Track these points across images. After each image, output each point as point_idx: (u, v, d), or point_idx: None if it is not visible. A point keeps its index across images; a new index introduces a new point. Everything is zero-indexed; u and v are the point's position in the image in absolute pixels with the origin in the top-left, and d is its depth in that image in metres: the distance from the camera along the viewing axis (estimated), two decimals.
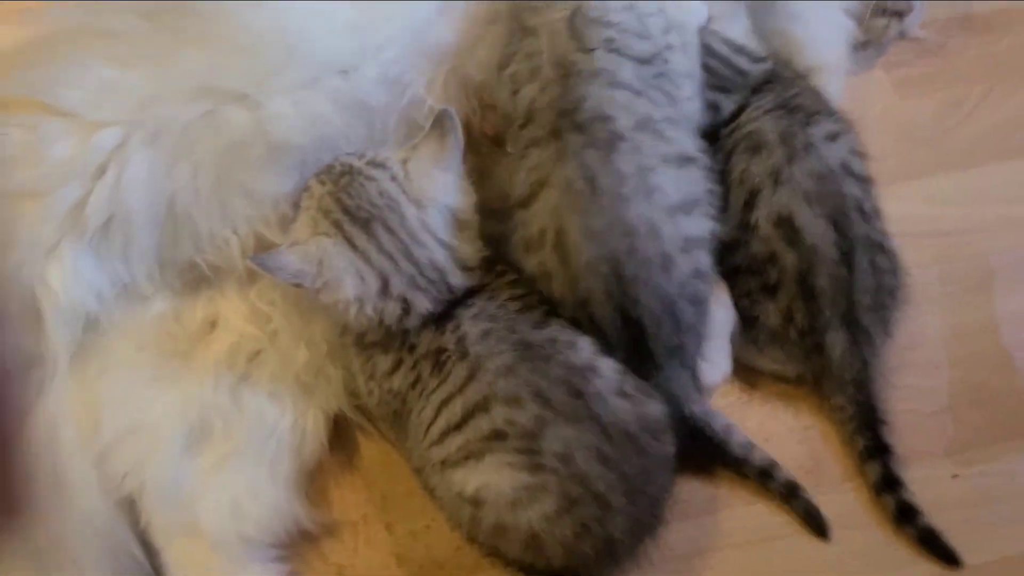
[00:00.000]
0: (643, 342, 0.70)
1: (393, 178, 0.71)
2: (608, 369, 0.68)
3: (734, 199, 0.80)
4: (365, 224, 0.69)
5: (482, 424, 0.65)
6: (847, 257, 0.78)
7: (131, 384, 0.74)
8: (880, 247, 0.81)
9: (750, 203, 0.79)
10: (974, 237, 0.93)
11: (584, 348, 0.68)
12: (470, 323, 0.68)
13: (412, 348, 0.69)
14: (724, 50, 0.81)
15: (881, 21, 0.96)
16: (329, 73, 0.73)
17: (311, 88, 0.72)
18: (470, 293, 0.71)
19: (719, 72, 0.81)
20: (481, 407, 0.65)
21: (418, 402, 0.68)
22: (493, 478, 0.65)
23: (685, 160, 0.72)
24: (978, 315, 0.89)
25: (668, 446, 0.69)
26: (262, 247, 0.74)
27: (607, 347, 0.70)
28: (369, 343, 0.70)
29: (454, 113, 0.72)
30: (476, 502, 0.66)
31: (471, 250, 0.72)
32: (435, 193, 0.71)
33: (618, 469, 0.65)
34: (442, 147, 0.72)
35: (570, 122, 0.70)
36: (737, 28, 0.84)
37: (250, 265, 0.69)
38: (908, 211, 0.93)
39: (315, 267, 0.68)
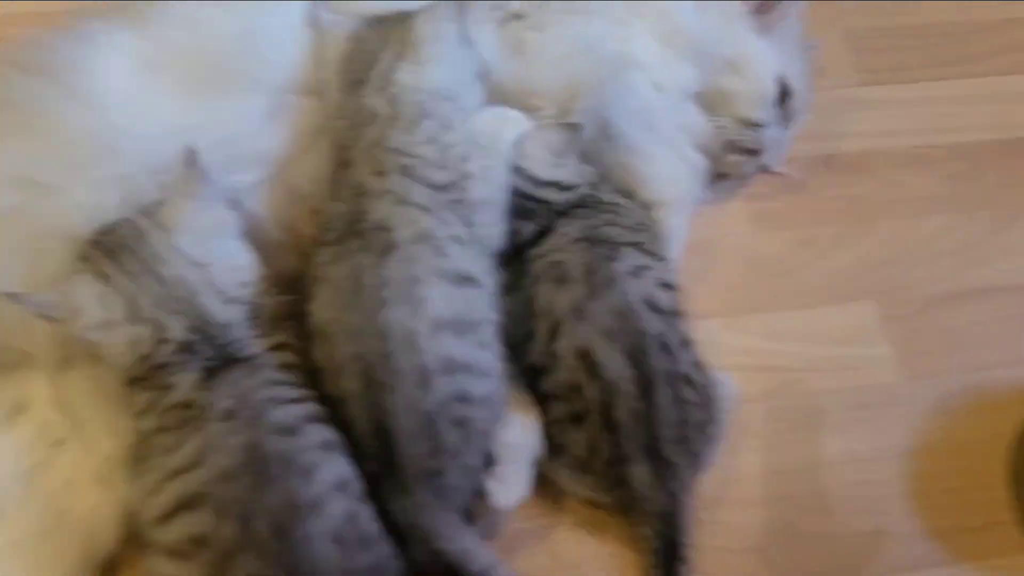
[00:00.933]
0: (393, 457, 0.70)
1: (146, 215, 0.73)
2: (338, 509, 0.67)
3: (540, 326, 0.81)
4: (110, 253, 0.71)
5: (187, 524, 0.65)
6: (646, 391, 0.78)
7: None
8: (687, 379, 0.81)
9: (554, 333, 0.80)
10: (808, 376, 0.94)
11: (321, 480, 0.67)
12: (220, 393, 0.69)
13: (167, 388, 0.70)
14: (526, 186, 0.83)
15: (734, 157, 0.98)
16: (142, 171, 0.75)
17: (116, 182, 0.74)
18: (238, 353, 0.72)
19: (518, 205, 0.83)
20: (192, 503, 0.65)
21: (155, 455, 0.69)
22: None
23: (464, 280, 0.73)
24: (800, 455, 0.90)
25: None
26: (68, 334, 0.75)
27: (358, 454, 0.70)
28: (132, 379, 0.71)
29: (196, 151, 0.74)
30: None
31: (232, 277, 0.73)
32: (183, 218, 0.73)
33: None
34: (188, 178, 0.74)
35: (352, 230, 0.73)
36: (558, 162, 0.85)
37: (2, 296, 0.70)
38: (747, 344, 0.96)
39: (59, 298, 0.69)
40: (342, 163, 0.78)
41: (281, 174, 0.81)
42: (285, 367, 0.74)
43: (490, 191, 0.78)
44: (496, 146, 0.79)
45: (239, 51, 0.79)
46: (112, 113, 0.74)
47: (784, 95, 0.97)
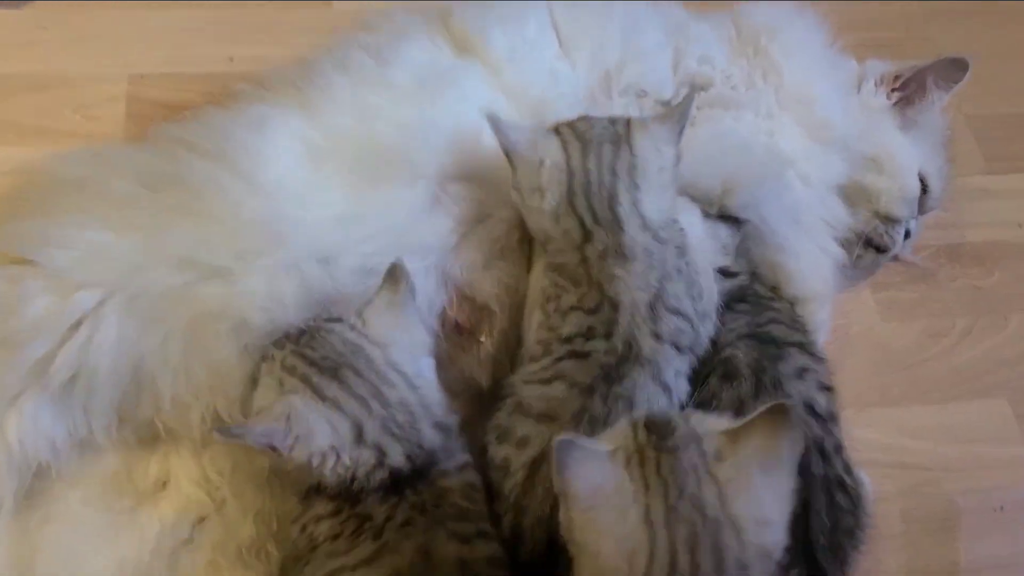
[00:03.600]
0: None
1: (352, 328, 0.72)
2: None
3: None
4: (333, 372, 0.69)
5: None
6: (803, 496, 0.77)
7: (71, 537, 0.73)
8: (840, 484, 0.79)
9: None
10: (942, 475, 0.93)
11: None
12: (404, 508, 0.67)
13: (355, 503, 0.68)
14: None
15: (868, 253, 0.98)
16: (309, 259, 0.74)
17: (288, 271, 0.73)
18: (428, 475, 0.70)
19: None
20: None
21: (319, 559, 0.67)
22: None
23: None
24: (939, 557, 0.88)
25: None
26: (218, 419, 0.74)
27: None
28: (317, 491, 0.69)
29: (404, 264, 0.73)
30: None
31: (438, 397, 0.72)
32: (395, 334, 0.72)
33: None
34: (395, 293, 0.73)
35: (606, 390, 0.71)
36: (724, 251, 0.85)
37: (216, 437, 0.68)
38: (878, 439, 0.94)
39: (284, 424, 0.66)
40: (601, 295, 0.74)
41: (439, 264, 0.80)
42: (467, 489, 0.72)
43: (710, 307, 0.78)
44: (700, 256, 0.79)
45: (407, 139, 0.78)
46: (281, 200, 0.74)
47: (923, 190, 0.96)
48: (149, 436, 0.76)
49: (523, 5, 0.88)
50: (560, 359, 0.74)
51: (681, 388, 0.75)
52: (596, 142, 0.75)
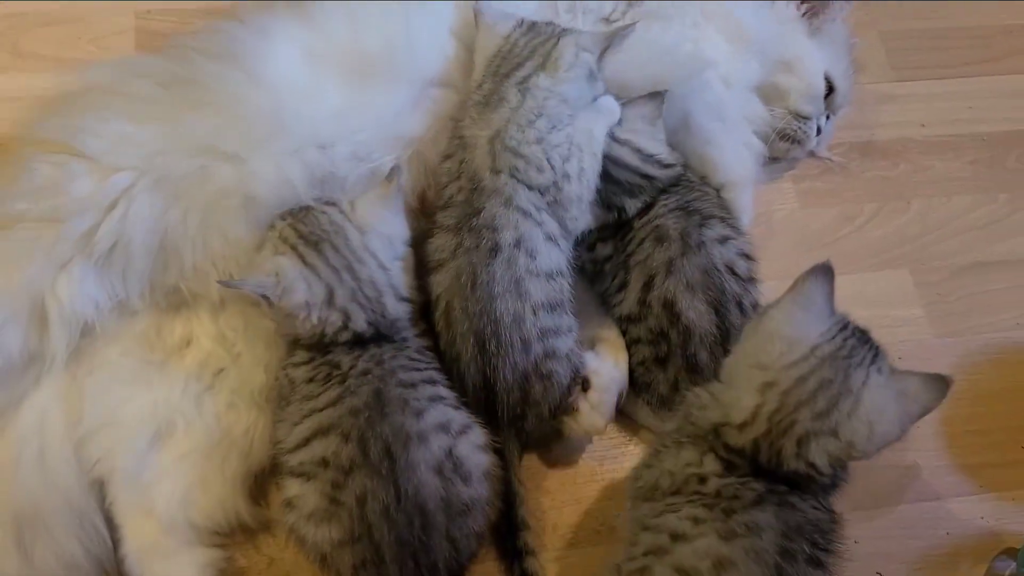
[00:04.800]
0: (493, 404, 0.86)
1: (341, 212, 0.87)
2: (439, 445, 0.79)
3: (635, 280, 0.95)
4: (315, 244, 0.84)
5: (318, 448, 0.78)
6: (724, 340, 0.92)
7: (113, 384, 0.88)
8: None
9: (648, 285, 0.94)
10: None
11: (428, 418, 0.80)
12: (364, 360, 0.82)
13: (326, 352, 0.83)
14: (634, 160, 0.96)
15: (784, 145, 1.12)
16: (309, 146, 0.88)
17: (292, 156, 0.87)
18: (389, 337, 0.85)
19: (626, 180, 0.96)
20: (324, 431, 0.79)
21: (298, 400, 0.82)
22: (306, 492, 0.78)
23: (554, 275, 0.88)
24: None
25: (463, 526, 0.80)
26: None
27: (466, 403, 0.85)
28: (301, 344, 0.84)
29: (402, 167, 0.89)
30: (289, 505, 0.79)
31: (405, 279, 0.87)
32: (376, 223, 0.87)
33: (398, 530, 0.76)
34: (387, 189, 0.88)
35: (468, 223, 0.86)
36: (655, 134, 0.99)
37: (219, 286, 0.83)
38: None
39: (274, 280, 0.82)
40: (460, 142, 0.90)
41: (420, 153, 0.94)
42: (421, 349, 0.87)
43: (582, 189, 0.91)
44: (591, 141, 0.92)
45: (393, 47, 0.91)
46: (284, 95, 0.88)
47: (829, 90, 1.11)
48: (176, 301, 0.91)
49: None
50: (442, 209, 0.90)
51: (548, 221, 0.88)
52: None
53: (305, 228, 0.85)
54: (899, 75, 1.28)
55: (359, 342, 0.84)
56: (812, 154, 1.18)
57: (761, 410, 0.75)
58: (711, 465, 0.77)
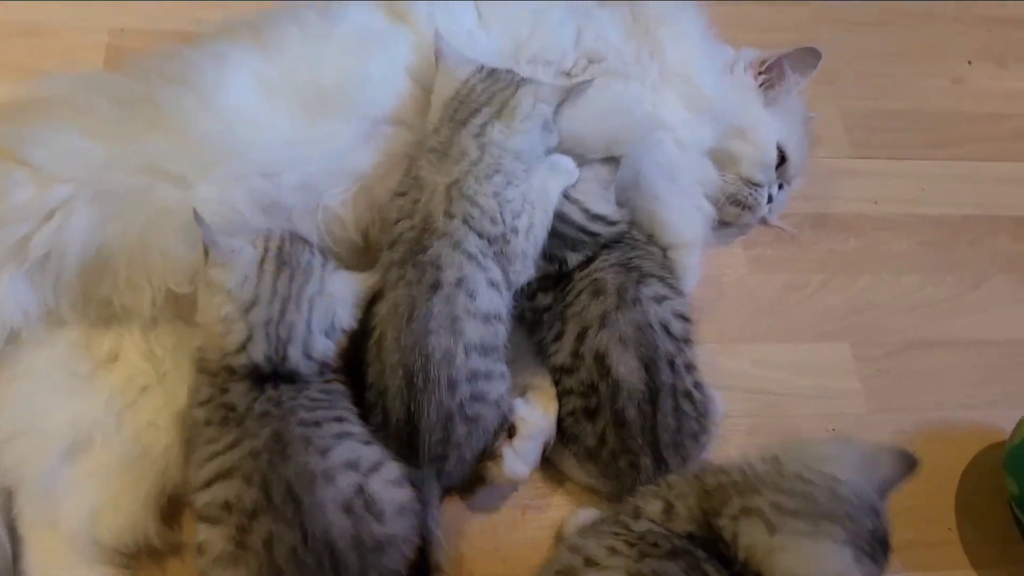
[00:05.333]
0: (415, 442, 0.85)
1: (323, 265, 0.88)
2: (347, 483, 0.78)
3: (571, 330, 0.95)
4: (280, 264, 0.85)
5: (220, 491, 0.77)
6: (653, 398, 0.92)
7: (34, 393, 0.87)
8: (687, 395, 0.95)
9: (581, 336, 0.94)
10: (787, 400, 1.08)
11: (334, 456, 0.79)
12: (263, 402, 0.81)
13: (224, 391, 0.82)
14: (580, 219, 0.97)
15: (734, 210, 1.14)
16: (255, 173, 0.89)
17: (237, 182, 0.88)
18: (292, 380, 0.84)
19: (570, 236, 0.97)
20: (226, 475, 0.78)
21: (200, 442, 0.81)
22: (213, 538, 0.77)
23: (491, 318, 0.88)
24: None
25: (378, 563, 0.78)
26: (169, 299, 0.89)
27: (389, 436, 0.85)
28: (204, 369, 0.84)
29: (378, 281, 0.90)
30: (199, 550, 0.78)
31: (321, 351, 0.86)
32: (335, 297, 0.88)
33: (305, 573, 0.75)
34: (364, 281, 0.90)
35: (414, 260, 0.87)
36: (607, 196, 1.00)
37: (195, 216, 0.82)
38: (739, 369, 1.10)
39: (229, 250, 0.83)
40: (415, 182, 0.91)
41: (368, 188, 0.95)
42: (324, 386, 0.86)
43: (527, 245, 0.92)
44: (544, 199, 0.93)
45: (348, 83, 0.93)
46: (235, 122, 0.89)
47: (782, 160, 1.13)
48: (107, 314, 0.91)
49: None
50: (389, 247, 0.90)
51: (492, 268, 0.89)
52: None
53: (287, 249, 0.86)
54: (857, 152, 1.30)
55: (256, 380, 0.83)
56: (764, 222, 1.20)
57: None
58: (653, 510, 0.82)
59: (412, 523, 0.83)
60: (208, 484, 0.79)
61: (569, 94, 0.94)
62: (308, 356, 0.85)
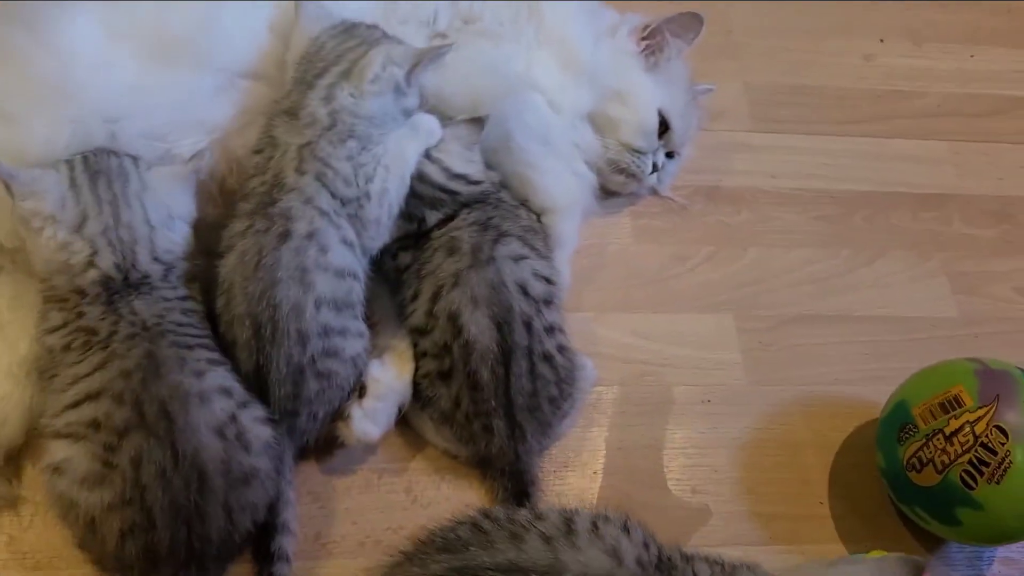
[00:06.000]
0: (265, 396, 0.84)
1: (135, 164, 0.86)
2: (221, 407, 0.78)
3: (426, 290, 0.94)
4: (94, 174, 0.83)
5: (88, 411, 0.77)
6: (506, 359, 0.91)
7: None
8: (546, 358, 0.93)
9: (435, 296, 0.93)
10: (663, 370, 1.07)
11: (209, 381, 0.79)
12: (127, 324, 0.80)
13: (80, 315, 0.81)
14: (440, 178, 0.96)
15: (618, 178, 1.12)
16: (94, 117, 0.88)
17: (72, 124, 0.86)
18: (146, 294, 0.83)
19: (429, 195, 0.96)
20: (94, 396, 0.77)
21: (61, 368, 0.80)
22: (76, 455, 0.76)
23: (344, 273, 0.87)
24: (644, 436, 1.02)
25: (242, 496, 0.79)
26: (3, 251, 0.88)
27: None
28: (51, 297, 0.83)
29: (208, 152, 0.90)
30: (57, 471, 0.76)
31: (167, 245, 0.85)
32: (161, 190, 0.86)
33: (172, 493, 0.75)
34: (184, 167, 0.88)
35: (264, 212, 0.86)
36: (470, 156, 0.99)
37: None
38: (614, 337, 1.09)
39: (28, 178, 0.81)
40: (270, 141, 0.90)
41: (223, 141, 0.94)
42: (188, 311, 0.86)
43: (380, 212, 0.91)
44: (401, 163, 0.92)
45: (199, 33, 0.91)
46: (75, 65, 0.87)
47: (665, 128, 1.11)
48: None
49: None
50: (242, 200, 0.90)
51: (346, 227, 0.88)
52: None
53: (93, 159, 0.85)
54: (758, 126, 1.29)
55: (109, 300, 0.82)
56: (655, 192, 1.18)
57: None
58: None
59: (275, 463, 0.83)
60: (74, 405, 0.78)
61: (426, 57, 0.92)
62: (156, 258, 0.85)
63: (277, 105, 0.93)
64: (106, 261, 0.82)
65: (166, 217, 0.86)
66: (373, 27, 0.96)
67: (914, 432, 0.92)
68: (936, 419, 0.90)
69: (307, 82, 0.91)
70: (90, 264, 0.82)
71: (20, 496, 0.88)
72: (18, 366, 0.88)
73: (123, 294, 0.82)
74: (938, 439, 0.89)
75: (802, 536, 0.99)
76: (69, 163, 0.84)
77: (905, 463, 0.92)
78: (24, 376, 0.88)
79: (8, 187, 0.81)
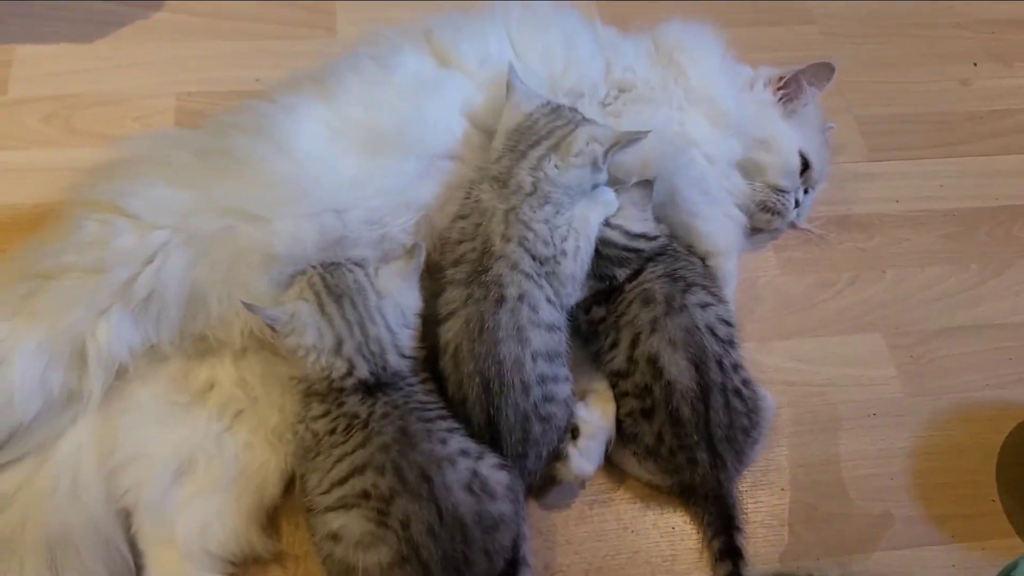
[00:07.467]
0: (497, 444, 0.94)
1: (367, 274, 0.96)
2: (464, 466, 0.88)
3: (625, 337, 1.03)
4: (337, 298, 0.93)
5: (357, 484, 0.86)
6: (704, 395, 1.00)
7: (143, 422, 0.96)
8: (736, 393, 1.02)
9: (634, 342, 1.02)
10: (828, 390, 1.15)
11: (451, 446, 0.89)
12: (381, 405, 0.91)
13: (340, 404, 0.91)
14: (622, 240, 1.06)
15: (764, 216, 1.22)
16: (327, 210, 0.98)
17: (310, 219, 0.97)
18: (396, 385, 0.93)
19: (616, 256, 1.06)
20: (360, 470, 0.86)
21: (326, 449, 0.90)
22: (350, 522, 0.85)
23: (552, 327, 0.97)
24: (820, 452, 1.11)
25: (495, 540, 0.88)
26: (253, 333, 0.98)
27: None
28: (312, 392, 0.93)
29: (423, 246, 0.98)
30: (335, 537, 0.85)
31: (408, 342, 0.95)
32: (393, 292, 0.96)
33: (443, 547, 0.84)
34: (408, 265, 0.98)
35: (478, 279, 0.96)
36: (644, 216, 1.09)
37: (241, 306, 0.92)
38: (776, 363, 1.17)
39: (287, 317, 0.91)
40: (476, 207, 1.00)
41: (428, 218, 1.05)
42: (428, 391, 0.96)
43: (575, 267, 1.01)
44: (586, 226, 1.02)
45: (406, 125, 1.03)
46: (306, 165, 0.98)
47: (805, 167, 1.21)
48: (202, 347, 1.00)
49: (483, 25, 1.13)
50: (453, 265, 0.99)
51: (547, 287, 0.98)
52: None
53: (332, 281, 0.94)
54: (874, 156, 1.38)
55: (367, 390, 0.92)
56: (793, 226, 1.28)
57: None
58: None
59: (515, 504, 0.91)
60: (343, 481, 0.87)
61: (625, 139, 1.02)
62: (402, 355, 0.95)
63: (484, 171, 1.03)
64: (362, 371, 0.92)
65: (401, 317, 0.96)
66: (574, 109, 1.07)
67: None
68: None
69: (520, 152, 1.02)
70: (349, 375, 0.92)
71: (283, 551, 0.98)
72: (272, 435, 0.99)
73: (380, 387, 0.93)
74: None
75: (980, 532, 1.06)
76: (312, 286, 0.94)
77: None
78: (279, 442, 0.98)
79: (273, 328, 0.91)
